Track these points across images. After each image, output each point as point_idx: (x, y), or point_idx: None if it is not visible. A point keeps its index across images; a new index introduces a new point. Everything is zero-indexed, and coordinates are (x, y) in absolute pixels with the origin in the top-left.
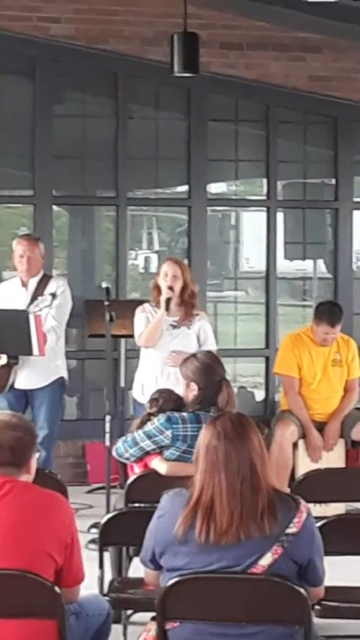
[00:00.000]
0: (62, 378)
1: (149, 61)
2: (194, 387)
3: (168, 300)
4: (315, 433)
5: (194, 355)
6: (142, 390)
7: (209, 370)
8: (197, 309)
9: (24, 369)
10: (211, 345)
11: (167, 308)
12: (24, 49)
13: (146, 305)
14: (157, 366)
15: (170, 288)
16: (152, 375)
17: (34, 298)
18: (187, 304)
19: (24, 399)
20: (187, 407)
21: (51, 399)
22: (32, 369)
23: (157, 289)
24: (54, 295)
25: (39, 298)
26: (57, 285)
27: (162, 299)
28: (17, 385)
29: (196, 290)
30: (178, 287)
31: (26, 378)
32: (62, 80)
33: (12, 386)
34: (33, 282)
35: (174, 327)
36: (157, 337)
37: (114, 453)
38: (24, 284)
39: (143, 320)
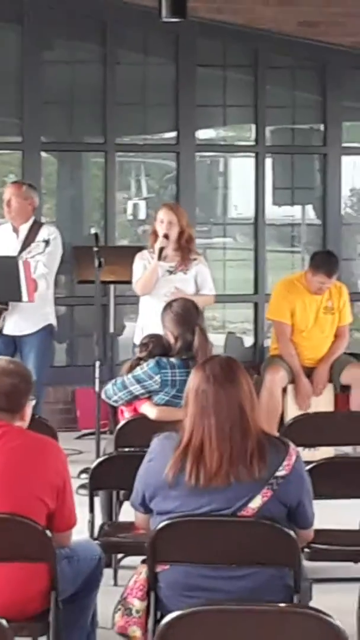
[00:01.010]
0: (50, 325)
1: (136, 7)
2: (169, 335)
3: (161, 250)
4: (305, 381)
5: (169, 305)
6: (143, 334)
7: (180, 319)
8: (195, 253)
9: (13, 315)
10: (209, 290)
11: (160, 257)
12: None
13: (145, 252)
14: (155, 311)
15: (166, 236)
16: (152, 321)
17: (25, 244)
18: (184, 249)
19: (13, 345)
20: (172, 353)
21: (40, 345)
22: (21, 315)
23: (155, 234)
24: (47, 242)
25: (32, 245)
26: (49, 232)
27: (156, 247)
28: (6, 331)
29: (193, 234)
30: (174, 233)
31: (15, 324)
32: (50, 26)
33: (0, 332)
34: (24, 229)
35: (170, 272)
36: (152, 285)
37: (102, 395)
38: (15, 230)
39: (140, 267)
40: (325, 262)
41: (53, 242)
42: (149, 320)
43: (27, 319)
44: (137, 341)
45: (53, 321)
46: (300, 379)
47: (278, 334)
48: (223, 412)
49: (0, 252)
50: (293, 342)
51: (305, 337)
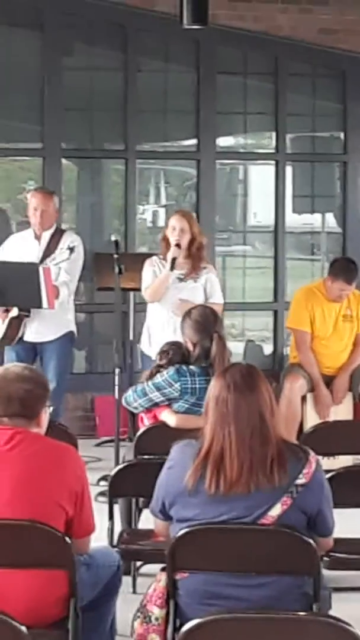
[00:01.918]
0: (71, 332)
1: (158, 14)
2: (188, 343)
3: (174, 260)
4: (325, 390)
5: (188, 313)
6: (149, 342)
7: (199, 327)
8: (205, 262)
9: (34, 322)
10: (218, 299)
11: (172, 268)
12: (33, 2)
13: (154, 258)
14: (163, 319)
15: (178, 245)
16: (159, 328)
17: (47, 251)
18: (195, 256)
19: (33, 352)
20: (191, 361)
21: (60, 352)
22: (42, 322)
23: (166, 241)
24: (71, 250)
25: (57, 251)
26: (71, 239)
27: (169, 257)
28: (27, 338)
29: (204, 242)
30: (186, 240)
31: (36, 331)
32: (71, 32)
33: (21, 338)
34: (46, 236)
35: (180, 280)
36: (161, 293)
37: (123, 401)
38: (37, 237)
39: (150, 274)
40: (344, 268)
41: (77, 249)
42: (156, 328)
43: (48, 326)
44: (145, 349)
45: (73, 328)
46: (319, 387)
47: (298, 342)
48: (243, 420)
49: (21, 259)
50: (313, 350)
51: (324, 345)
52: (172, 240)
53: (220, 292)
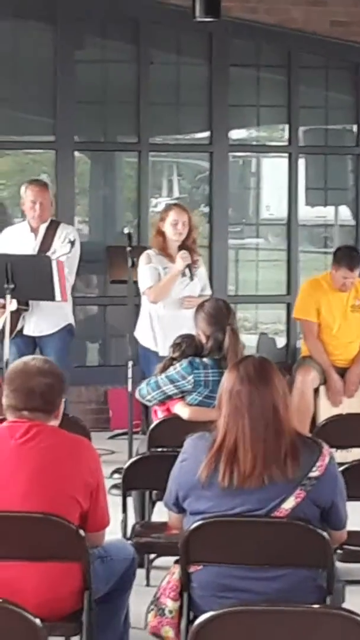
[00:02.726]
0: (70, 325)
1: (170, 6)
2: (201, 335)
3: (188, 266)
4: (336, 377)
5: (201, 305)
6: (154, 338)
7: (211, 319)
8: (197, 254)
9: (33, 316)
10: (208, 291)
11: (184, 275)
12: None
13: (150, 252)
14: (170, 314)
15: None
16: (165, 324)
17: (43, 244)
18: (190, 250)
19: (33, 346)
20: (204, 353)
21: (60, 345)
22: (41, 316)
23: (162, 235)
24: (72, 243)
25: (55, 244)
26: (68, 232)
27: (178, 264)
28: (27, 332)
29: (197, 235)
30: (185, 235)
31: (35, 325)
32: (84, 25)
33: (20, 332)
34: (42, 228)
35: (183, 274)
36: (167, 294)
37: (136, 394)
38: (33, 230)
39: (148, 272)
40: (346, 256)
41: (76, 243)
42: (157, 321)
43: (47, 319)
44: (149, 345)
45: (72, 321)
46: (331, 375)
47: (305, 332)
48: (257, 412)
49: (18, 251)
50: (323, 341)
51: (334, 336)
52: (173, 235)
53: (208, 284)
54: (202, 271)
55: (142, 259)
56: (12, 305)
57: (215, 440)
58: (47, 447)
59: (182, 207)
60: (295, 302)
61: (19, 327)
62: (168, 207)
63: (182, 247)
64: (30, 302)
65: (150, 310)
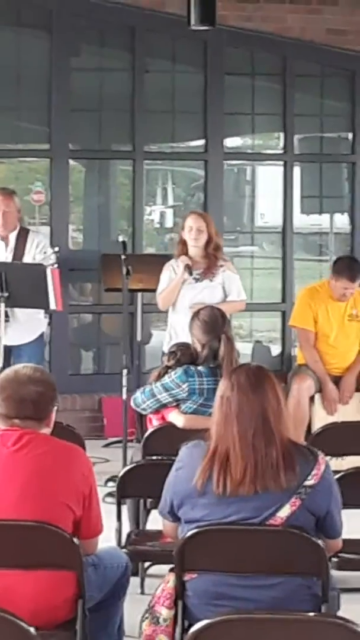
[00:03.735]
0: (43, 333)
1: (165, 14)
2: (197, 343)
3: (187, 266)
4: (331, 385)
5: (197, 313)
6: (171, 342)
7: (206, 327)
8: (222, 260)
9: (9, 326)
10: (236, 296)
11: (190, 273)
12: (41, 2)
13: (171, 262)
14: (183, 320)
15: (188, 266)
16: (179, 330)
17: (16, 253)
18: (211, 256)
19: (8, 355)
20: (199, 362)
21: (36, 354)
22: (17, 326)
23: (183, 243)
24: (56, 253)
25: (30, 252)
26: (39, 240)
27: (181, 265)
28: (4, 342)
29: (221, 243)
30: (203, 240)
31: (12, 334)
32: (79, 33)
33: None
34: (12, 237)
35: (197, 280)
36: (172, 299)
37: (131, 402)
38: (3, 239)
39: (165, 278)
40: (347, 267)
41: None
42: (177, 330)
43: (23, 329)
44: (167, 349)
45: (44, 328)
46: (326, 384)
47: (301, 340)
48: (245, 420)
49: None
50: (319, 350)
51: (331, 345)
52: (190, 241)
53: (240, 289)
54: (226, 276)
55: (164, 268)
56: None
57: (209, 447)
58: (39, 454)
59: (198, 213)
60: (293, 310)
61: None
62: (186, 215)
63: (204, 254)
64: (10, 313)
65: (170, 317)
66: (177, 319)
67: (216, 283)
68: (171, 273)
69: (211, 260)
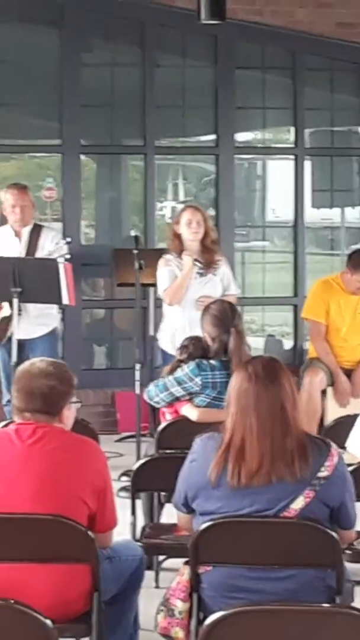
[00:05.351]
0: (56, 327)
1: (175, 9)
2: (207, 337)
3: (197, 261)
4: (343, 378)
5: (207, 307)
6: (173, 341)
7: (217, 321)
8: (218, 254)
9: (21, 320)
10: (234, 290)
11: (201, 274)
12: None
13: (169, 257)
14: (187, 316)
15: (203, 248)
16: (183, 325)
17: (30, 248)
18: (210, 250)
19: (23, 350)
20: (210, 355)
21: (50, 348)
22: (30, 320)
23: (178, 237)
24: (68, 243)
25: (45, 247)
26: (52, 235)
27: (186, 261)
28: (16, 336)
29: (216, 236)
30: (201, 234)
31: (25, 328)
32: (90, 29)
33: (9, 337)
34: (26, 232)
35: (201, 275)
36: (182, 295)
37: (145, 396)
38: (17, 234)
39: (166, 274)
40: None
41: (66, 243)
42: (179, 326)
43: (35, 322)
44: (167, 348)
45: (58, 323)
46: (338, 376)
47: (313, 332)
48: (264, 410)
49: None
50: (331, 343)
51: (342, 338)
52: (189, 235)
53: (235, 283)
54: (224, 271)
55: (160, 262)
56: (4, 310)
57: (224, 439)
58: (54, 448)
59: (195, 206)
60: (305, 301)
61: (8, 334)
62: (182, 209)
63: (202, 248)
64: (23, 307)
65: (170, 312)
66: (180, 313)
67: (218, 278)
68: (174, 269)
69: (210, 254)
